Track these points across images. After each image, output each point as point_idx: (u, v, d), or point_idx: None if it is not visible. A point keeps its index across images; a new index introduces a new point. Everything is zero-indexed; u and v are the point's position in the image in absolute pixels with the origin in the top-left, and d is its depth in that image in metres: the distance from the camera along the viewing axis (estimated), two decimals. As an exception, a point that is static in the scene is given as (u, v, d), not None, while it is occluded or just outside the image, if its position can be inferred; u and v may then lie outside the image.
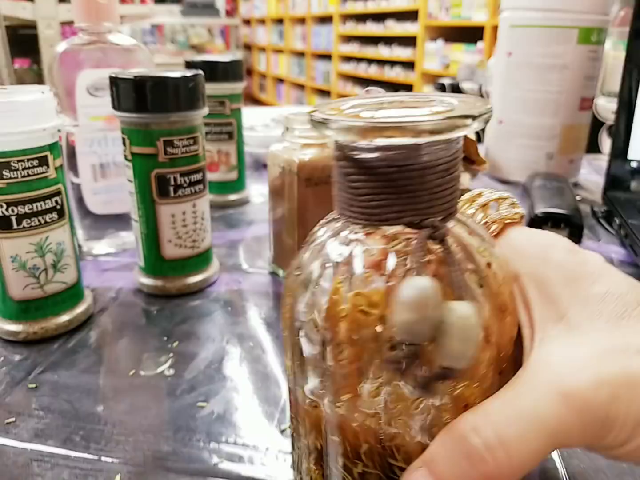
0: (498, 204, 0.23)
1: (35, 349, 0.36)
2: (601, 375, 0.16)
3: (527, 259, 0.21)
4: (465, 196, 0.23)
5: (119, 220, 0.53)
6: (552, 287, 0.19)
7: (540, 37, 0.67)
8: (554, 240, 0.21)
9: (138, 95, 0.37)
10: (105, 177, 0.51)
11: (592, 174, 0.82)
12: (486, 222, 0.22)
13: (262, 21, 5.72)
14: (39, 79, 2.33)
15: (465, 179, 0.58)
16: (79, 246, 0.53)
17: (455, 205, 0.19)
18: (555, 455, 0.27)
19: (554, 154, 0.71)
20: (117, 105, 0.38)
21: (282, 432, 0.29)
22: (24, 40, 2.09)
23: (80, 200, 0.51)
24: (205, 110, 0.41)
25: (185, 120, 0.39)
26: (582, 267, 0.20)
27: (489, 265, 0.19)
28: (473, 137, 0.51)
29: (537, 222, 0.51)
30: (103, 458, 0.27)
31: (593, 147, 0.90)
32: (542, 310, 0.19)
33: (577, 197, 0.66)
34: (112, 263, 0.50)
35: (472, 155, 0.52)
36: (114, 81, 0.38)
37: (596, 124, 0.83)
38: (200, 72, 0.40)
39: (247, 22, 6.07)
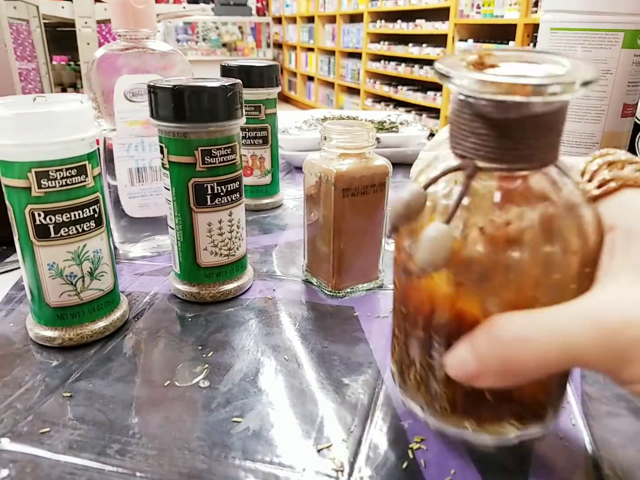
0: (623, 165, 0.24)
1: (71, 355, 0.36)
2: (635, 317, 0.19)
3: (627, 214, 0.22)
4: (597, 152, 0.25)
5: (155, 223, 0.53)
6: None
7: (583, 41, 0.64)
8: None
9: (176, 105, 0.37)
10: (142, 181, 0.51)
11: (633, 181, 0.79)
12: (604, 179, 0.24)
13: (292, 19, 5.72)
14: (76, 75, 2.38)
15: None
16: (115, 248, 0.53)
17: (525, 159, 0.22)
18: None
19: (595, 162, 0.69)
20: (155, 114, 0.38)
21: (318, 451, 0.28)
22: (63, 38, 2.14)
23: (116, 203, 0.51)
24: (243, 120, 0.40)
25: (224, 130, 0.39)
26: None
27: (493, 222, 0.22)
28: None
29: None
30: (138, 473, 0.27)
31: (629, 151, 0.88)
32: (624, 259, 0.21)
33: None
34: (147, 267, 0.50)
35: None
36: (153, 90, 0.38)
37: (634, 128, 0.80)
38: (239, 81, 0.39)
39: (277, 20, 6.09)
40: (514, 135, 0.21)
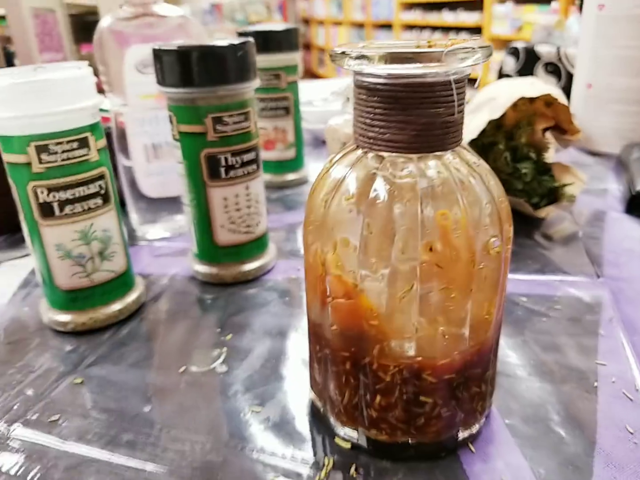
0: None
1: (84, 339, 0.35)
2: None
3: None
4: None
5: (174, 203, 0.51)
6: None
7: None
8: None
9: (182, 68, 0.34)
10: (158, 157, 0.48)
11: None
12: None
13: (320, -6, 5.60)
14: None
15: (550, 153, 0.51)
16: (133, 230, 0.51)
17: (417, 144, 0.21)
18: None
19: (650, 120, 0.63)
20: (161, 80, 0.35)
21: (343, 448, 0.25)
22: (90, 27, 2.13)
23: (133, 184, 0.49)
24: (256, 82, 0.37)
25: (235, 94, 0.36)
26: None
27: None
28: (565, 102, 0.44)
29: (637, 200, 0.45)
30: (149, 466, 0.25)
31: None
32: None
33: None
34: (166, 248, 0.48)
35: (564, 123, 0.44)
36: (157, 54, 0.35)
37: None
38: (250, 39, 0.36)
39: (305, -5, 5.97)
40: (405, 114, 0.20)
